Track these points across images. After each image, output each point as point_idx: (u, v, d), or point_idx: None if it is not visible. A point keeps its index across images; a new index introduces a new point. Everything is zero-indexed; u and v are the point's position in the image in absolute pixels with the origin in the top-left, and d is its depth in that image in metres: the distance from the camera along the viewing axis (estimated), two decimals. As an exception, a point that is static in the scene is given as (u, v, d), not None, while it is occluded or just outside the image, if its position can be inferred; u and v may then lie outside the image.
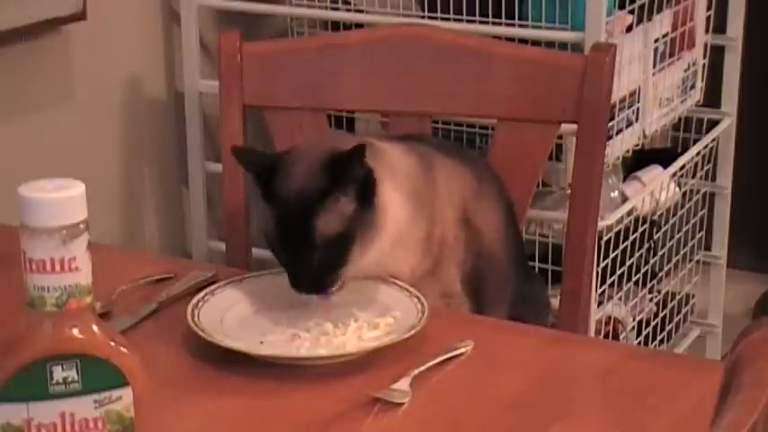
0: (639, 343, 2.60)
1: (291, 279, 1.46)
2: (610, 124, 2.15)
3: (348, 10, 2.42)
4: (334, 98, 1.86)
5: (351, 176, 1.45)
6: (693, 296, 2.90)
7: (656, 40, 2.38)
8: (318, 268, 1.44)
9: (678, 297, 2.78)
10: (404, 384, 1.30)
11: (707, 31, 2.61)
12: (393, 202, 1.49)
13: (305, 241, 1.43)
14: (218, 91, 1.85)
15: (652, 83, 2.39)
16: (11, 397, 0.93)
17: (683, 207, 2.72)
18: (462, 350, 1.39)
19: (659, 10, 2.37)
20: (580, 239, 1.75)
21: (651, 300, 2.67)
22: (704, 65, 2.62)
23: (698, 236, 2.81)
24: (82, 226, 0.92)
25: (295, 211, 1.44)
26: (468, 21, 2.26)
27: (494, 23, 2.25)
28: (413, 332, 1.38)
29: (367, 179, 1.46)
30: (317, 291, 1.45)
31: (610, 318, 2.50)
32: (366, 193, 1.46)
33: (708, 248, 2.88)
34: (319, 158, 1.47)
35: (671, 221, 2.69)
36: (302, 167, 1.47)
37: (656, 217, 2.62)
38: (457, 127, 2.38)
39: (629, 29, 2.28)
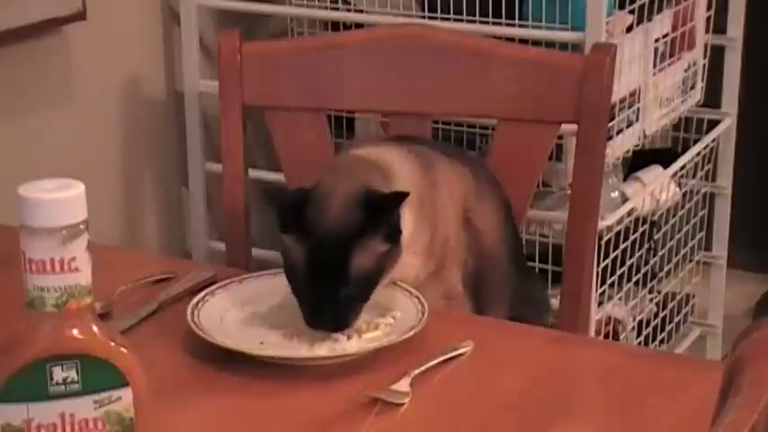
0: (640, 343, 2.60)
1: (311, 317, 1.43)
2: (610, 124, 2.15)
3: (348, 10, 2.42)
4: (334, 98, 1.86)
5: (387, 220, 1.45)
6: (694, 296, 2.89)
7: (657, 41, 2.38)
8: (342, 306, 1.43)
9: (678, 297, 2.78)
10: (404, 385, 1.30)
11: (707, 31, 2.61)
12: (405, 223, 1.50)
13: (337, 278, 1.42)
14: (218, 91, 1.85)
15: (652, 83, 2.38)
16: (11, 397, 0.93)
17: (683, 207, 2.72)
18: (462, 350, 1.39)
19: (659, 10, 2.37)
20: (580, 240, 1.75)
21: (651, 300, 2.67)
22: (704, 65, 2.62)
23: (698, 236, 2.81)
24: (82, 226, 0.92)
25: (329, 247, 1.43)
26: (468, 21, 2.26)
27: (494, 23, 2.25)
28: (413, 332, 1.38)
29: (398, 223, 1.47)
30: (336, 329, 1.42)
31: (610, 318, 2.49)
32: (395, 233, 1.47)
33: (708, 249, 2.88)
34: (355, 196, 1.46)
35: (671, 222, 2.69)
36: (337, 203, 1.45)
37: (656, 217, 2.62)
38: (457, 127, 2.38)
39: (630, 29, 2.28)
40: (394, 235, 1.46)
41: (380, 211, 1.45)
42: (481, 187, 1.68)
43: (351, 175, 1.52)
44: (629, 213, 2.41)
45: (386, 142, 1.71)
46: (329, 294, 1.42)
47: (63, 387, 0.94)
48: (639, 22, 2.30)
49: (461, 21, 2.27)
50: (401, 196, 1.45)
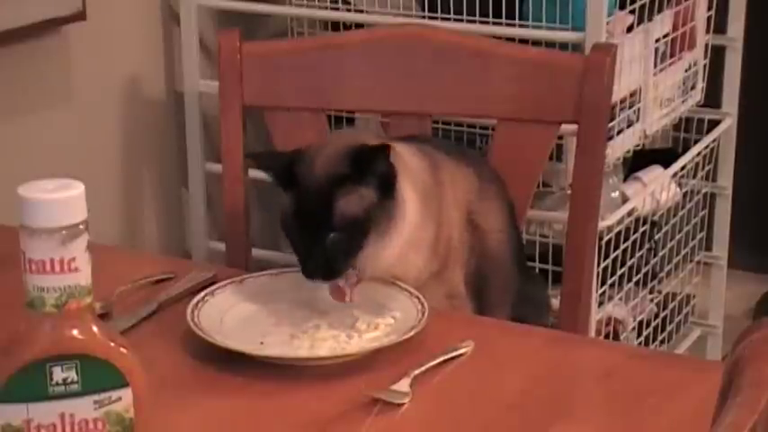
0: (640, 343, 2.60)
1: (303, 265, 1.47)
2: (610, 124, 2.15)
3: (348, 10, 2.42)
4: (334, 98, 1.86)
5: (374, 169, 1.47)
6: (694, 297, 2.89)
7: (657, 41, 2.38)
8: (331, 253, 1.45)
9: (679, 297, 2.78)
10: (404, 385, 1.30)
11: (707, 31, 2.61)
12: (410, 201, 1.52)
13: (323, 223, 1.45)
14: (218, 91, 1.85)
15: (653, 83, 2.38)
16: (11, 397, 0.93)
17: (683, 207, 2.72)
18: (463, 351, 1.39)
19: (660, 10, 2.37)
20: (580, 240, 1.75)
21: (652, 300, 2.67)
22: (705, 65, 2.62)
23: (698, 236, 2.81)
24: (82, 226, 0.92)
25: (316, 194, 1.47)
26: (468, 21, 2.26)
27: (494, 23, 2.25)
28: (413, 332, 1.38)
29: (389, 175, 1.48)
30: (326, 277, 1.46)
31: (610, 318, 2.49)
32: (387, 187, 1.48)
33: (708, 249, 2.88)
34: (344, 148, 1.50)
35: (671, 222, 2.69)
36: (326, 156, 1.49)
37: (656, 217, 2.62)
38: (457, 127, 2.38)
39: (630, 29, 2.28)
40: (386, 187, 1.48)
41: (368, 160, 1.47)
42: (485, 187, 1.68)
43: (350, 138, 1.57)
44: (630, 213, 2.41)
45: (393, 139, 1.71)
46: (317, 241, 1.45)
47: (63, 387, 0.94)
48: (640, 22, 2.30)
49: (461, 21, 2.27)
50: (387, 146, 1.48)
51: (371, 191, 1.47)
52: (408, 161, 1.56)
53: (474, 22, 2.26)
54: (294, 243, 1.49)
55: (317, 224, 1.46)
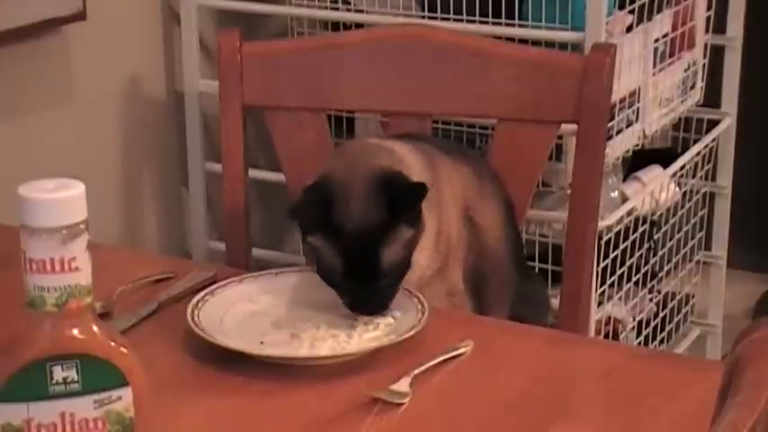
0: (639, 343, 2.60)
1: (353, 303, 1.46)
2: (610, 124, 2.15)
3: (348, 10, 2.42)
4: (334, 98, 1.86)
5: (408, 204, 1.47)
6: (693, 296, 2.89)
7: (656, 41, 2.38)
8: (384, 293, 1.46)
9: (678, 297, 2.78)
10: (404, 384, 1.30)
11: (707, 31, 2.61)
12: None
13: (372, 272, 1.45)
14: (218, 91, 1.85)
15: (652, 83, 2.38)
16: (11, 397, 0.93)
17: (683, 207, 2.72)
18: (462, 350, 1.39)
19: (659, 10, 2.37)
20: (580, 239, 1.75)
21: (651, 300, 2.67)
22: (704, 65, 2.62)
23: (698, 236, 2.81)
24: (82, 226, 0.92)
25: (361, 247, 1.45)
26: (468, 21, 2.26)
27: (494, 23, 2.25)
28: (413, 332, 1.38)
29: (420, 198, 1.48)
30: (380, 311, 1.45)
31: (610, 318, 2.49)
32: (417, 211, 1.49)
33: (708, 248, 2.88)
34: (377, 187, 1.47)
35: (671, 221, 2.69)
36: (361, 197, 1.47)
37: (656, 217, 2.62)
38: (457, 127, 2.38)
39: (629, 29, 2.28)
40: (418, 218, 1.49)
41: (404, 202, 1.48)
42: (483, 185, 1.68)
43: (364, 161, 1.53)
44: (629, 213, 2.41)
45: (390, 138, 1.71)
46: (368, 287, 1.45)
47: (63, 387, 0.94)
48: (639, 22, 2.30)
49: (461, 21, 2.27)
50: (423, 187, 1.47)
51: (408, 226, 1.48)
52: (408, 160, 1.56)
53: (474, 22, 2.26)
54: (339, 288, 1.47)
55: (367, 273, 1.45)
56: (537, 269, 2.23)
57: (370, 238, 1.45)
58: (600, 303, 2.40)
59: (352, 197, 1.47)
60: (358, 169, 1.50)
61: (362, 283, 1.45)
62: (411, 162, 1.56)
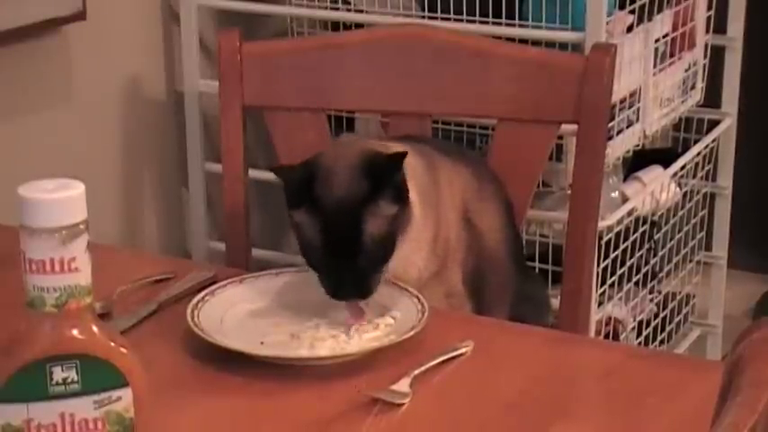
0: (640, 343, 2.60)
1: (333, 285, 1.45)
2: (610, 124, 2.14)
3: (348, 10, 2.42)
4: (334, 98, 1.86)
5: (391, 180, 1.47)
6: (694, 296, 2.90)
7: (657, 41, 2.38)
8: (363, 272, 1.45)
9: (678, 297, 2.78)
10: (404, 385, 1.30)
11: (707, 31, 2.61)
12: (414, 202, 1.52)
13: (353, 246, 1.44)
14: (218, 91, 1.85)
15: (652, 83, 2.38)
16: (11, 397, 0.93)
17: (683, 207, 2.72)
18: (462, 350, 1.39)
19: (660, 10, 2.37)
20: (580, 240, 1.75)
21: (651, 300, 2.67)
22: (705, 65, 2.62)
23: (698, 236, 2.81)
24: (82, 226, 0.92)
25: (341, 219, 1.45)
26: (468, 21, 2.26)
27: (494, 23, 2.25)
28: (413, 332, 1.38)
29: (403, 181, 1.48)
30: (362, 296, 1.45)
31: (610, 318, 2.49)
32: (401, 189, 1.48)
33: (708, 249, 2.88)
34: (358, 162, 1.48)
35: (671, 222, 2.69)
36: (342, 173, 1.47)
37: (656, 217, 2.62)
38: (457, 127, 2.38)
39: (630, 29, 2.28)
40: (401, 195, 1.48)
41: (383, 173, 1.47)
42: (483, 187, 1.68)
43: (354, 147, 1.55)
44: (630, 213, 2.41)
45: (389, 139, 1.71)
46: (348, 265, 1.44)
47: (63, 387, 0.94)
48: (639, 22, 2.30)
49: (461, 21, 2.27)
50: (401, 155, 1.47)
51: (390, 202, 1.47)
52: (407, 161, 1.56)
53: (474, 22, 2.26)
54: (319, 266, 1.47)
55: (346, 248, 1.45)
56: (537, 269, 2.23)
57: (349, 210, 1.45)
58: (600, 304, 2.40)
59: (334, 173, 1.48)
60: (344, 152, 1.52)
61: (342, 259, 1.44)
62: (412, 163, 1.56)
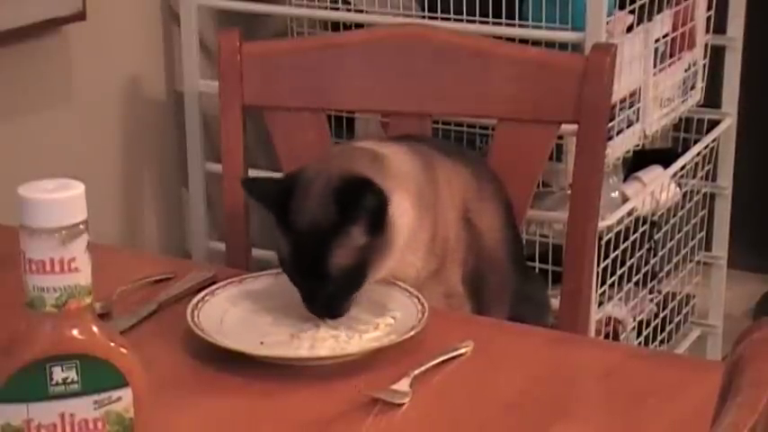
0: (640, 343, 2.60)
1: (306, 301, 1.45)
2: (610, 124, 2.15)
3: (348, 10, 2.42)
4: (334, 98, 1.86)
5: (362, 206, 1.44)
6: (694, 296, 2.90)
7: (657, 41, 2.38)
8: (332, 296, 1.44)
9: (678, 297, 2.78)
10: (404, 385, 1.30)
11: (707, 31, 2.61)
12: (402, 212, 1.49)
13: (319, 273, 1.44)
14: (218, 91, 1.85)
15: (652, 83, 2.38)
16: (11, 397, 0.93)
17: (683, 207, 2.72)
18: (462, 350, 1.39)
19: (659, 10, 2.37)
20: (580, 240, 1.75)
21: (651, 300, 2.67)
22: (704, 65, 2.62)
23: (698, 236, 2.81)
24: (82, 226, 0.92)
25: (308, 245, 1.44)
26: (468, 21, 2.26)
27: (494, 23, 2.25)
28: (413, 332, 1.38)
29: (379, 205, 1.45)
30: (332, 317, 1.44)
31: (610, 318, 2.49)
32: (378, 219, 1.45)
33: (708, 249, 2.88)
34: (329, 187, 1.46)
35: (671, 222, 2.69)
36: (313, 197, 1.46)
37: (656, 217, 2.62)
38: (457, 127, 2.38)
39: (630, 29, 2.28)
40: (378, 225, 1.45)
41: (353, 201, 1.44)
42: (482, 187, 1.68)
43: (338, 163, 1.52)
44: (630, 213, 2.41)
45: (387, 139, 1.71)
46: (317, 287, 1.44)
47: (63, 387, 0.94)
48: (639, 22, 2.30)
49: (461, 21, 2.27)
50: (366, 182, 1.44)
51: (362, 231, 1.44)
52: (400, 165, 1.55)
53: (474, 22, 2.26)
54: (294, 283, 1.46)
55: (315, 271, 1.44)
56: (537, 269, 2.23)
57: (316, 237, 1.44)
58: (600, 304, 2.40)
59: (309, 195, 1.46)
60: (327, 170, 1.49)
61: (312, 281, 1.44)
62: (399, 164, 1.55)
